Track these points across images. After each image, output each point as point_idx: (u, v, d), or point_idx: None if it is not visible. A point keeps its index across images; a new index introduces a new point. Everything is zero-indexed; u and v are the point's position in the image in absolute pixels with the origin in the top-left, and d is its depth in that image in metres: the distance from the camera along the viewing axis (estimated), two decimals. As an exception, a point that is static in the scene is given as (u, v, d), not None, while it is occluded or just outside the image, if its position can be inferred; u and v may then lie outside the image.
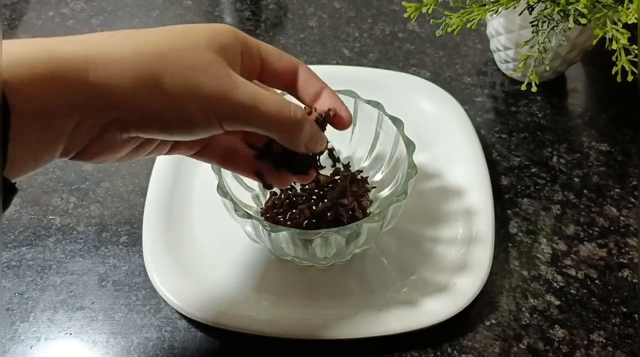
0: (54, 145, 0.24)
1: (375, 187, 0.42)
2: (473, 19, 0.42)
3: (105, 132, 0.25)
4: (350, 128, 0.38)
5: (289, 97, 0.33)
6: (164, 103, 0.24)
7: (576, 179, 0.48)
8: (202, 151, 0.32)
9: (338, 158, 0.38)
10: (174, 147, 0.31)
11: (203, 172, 0.45)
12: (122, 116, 0.24)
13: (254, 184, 0.42)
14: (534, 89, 0.42)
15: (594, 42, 0.41)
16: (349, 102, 0.40)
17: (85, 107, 0.23)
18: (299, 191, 0.42)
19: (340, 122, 0.33)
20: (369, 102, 0.40)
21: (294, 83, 0.32)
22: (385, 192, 0.42)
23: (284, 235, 0.34)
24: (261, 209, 0.41)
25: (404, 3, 0.44)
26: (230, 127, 0.27)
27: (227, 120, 0.26)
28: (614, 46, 0.39)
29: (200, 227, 0.43)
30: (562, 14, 0.41)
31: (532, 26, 0.43)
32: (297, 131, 0.29)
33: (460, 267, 0.39)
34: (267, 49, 0.31)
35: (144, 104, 0.24)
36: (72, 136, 0.24)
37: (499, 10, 0.42)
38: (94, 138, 0.25)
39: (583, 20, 0.39)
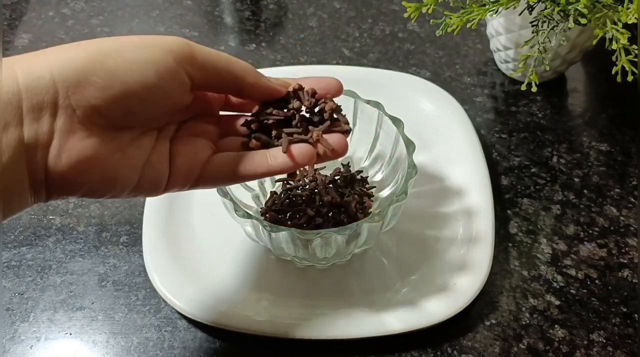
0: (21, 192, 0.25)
1: (375, 187, 0.42)
2: (473, 19, 0.42)
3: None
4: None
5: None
6: None
7: (576, 179, 0.48)
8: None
9: (346, 121, 0.33)
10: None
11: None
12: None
13: (254, 184, 0.42)
14: (534, 89, 0.42)
15: (594, 42, 0.41)
16: (349, 102, 0.40)
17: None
18: (299, 191, 0.42)
19: (333, 90, 0.33)
20: (369, 102, 0.40)
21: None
22: (385, 192, 0.42)
23: (284, 235, 0.34)
24: (261, 209, 0.41)
25: (404, 3, 0.43)
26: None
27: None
28: (614, 46, 0.39)
29: (200, 227, 0.43)
30: (562, 14, 0.41)
31: (532, 26, 0.43)
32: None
33: (460, 267, 0.39)
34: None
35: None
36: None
37: (499, 10, 0.42)
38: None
39: (583, 20, 0.39)
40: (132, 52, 0.26)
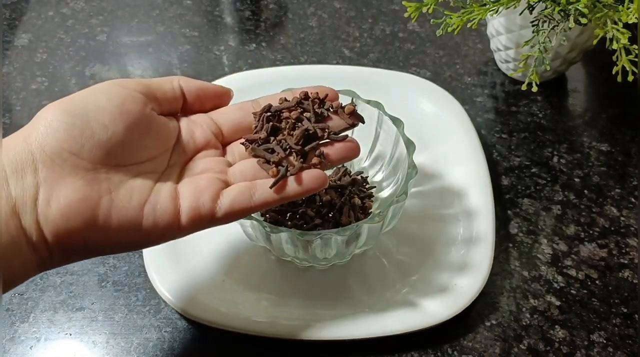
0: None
1: (375, 188, 0.42)
2: (473, 19, 0.42)
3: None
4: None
5: None
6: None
7: (576, 179, 0.48)
8: None
9: (361, 117, 0.34)
10: None
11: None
12: None
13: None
14: (534, 89, 0.42)
15: (595, 42, 0.41)
16: (349, 102, 0.40)
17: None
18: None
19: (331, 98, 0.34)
20: (369, 102, 0.40)
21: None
22: (385, 193, 0.42)
23: (283, 236, 0.34)
24: (261, 209, 0.41)
25: (404, 3, 0.43)
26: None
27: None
28: (615, 46, 0.38)
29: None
30: (562, 13, 0.41)
31: (533, 26, 0.43)
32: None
33: (460, 267, 0.39)
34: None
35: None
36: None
37: (500, 10, 0.42)
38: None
39: (583, 20, 0.39)
40: (84, 93, 0.27)
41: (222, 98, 0.33)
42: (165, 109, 0.30)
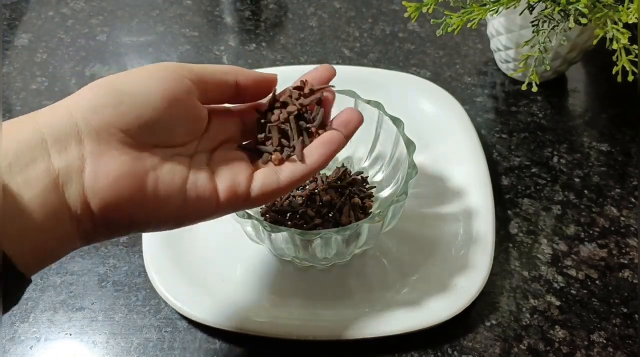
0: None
1: (375, 187, 0.42)
2: (473, 19, 0.42)
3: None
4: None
5: None
6: None
7: (576, 179, 0.48)
8: None
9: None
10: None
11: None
12: None
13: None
14: (534, 89, 0.42)
15: (595, 42, 0.41)
16: (349, 102, 0.40)
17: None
18: (299, 191, 0.42)
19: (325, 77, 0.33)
20: (369, 102, 0.40)
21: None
22: (385, 192, 0.42)
23: (284, 235, 0.34)
24: (261, 209, 0.41)
25: (404, 3, 0.43)
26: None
27: None
28: (615, 46, 0.38)
29: (201, 227, 0.42)
30: (562, 13, 0.41)
31: (533, 26, 0.43)
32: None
33: (460, 267, 0.39)
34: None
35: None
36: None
37: (500, 10, 0.42)
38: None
39: (583, 20, 0.39)
40: (135, 72, 0.28)
41: (270, 87, 0.33)
42: (209, 98, 0.30)
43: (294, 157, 0.31)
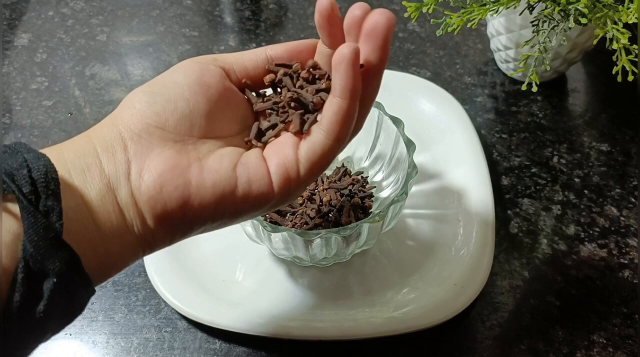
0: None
1: (375, 187, 0.42)
2: (473, 19, 0.42)
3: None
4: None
5: None
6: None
7: (576, 179, 0.48)
8: None
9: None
10: None
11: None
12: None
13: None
14: (534, 89, 0.42)
15: (595, 42, 0.41)
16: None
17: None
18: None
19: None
20: (369, 102, 0.40)
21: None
22: (385, 193, 0.42)
23: (284, 235, 0.34)
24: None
25: (404, 3, 0.43)
26: None
27: None
28: (615, 46, 0.38)
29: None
30: (562, 13, 0.41)
31: (533, 26, 0.43)
32: None
33: (460, 267, 0.39)
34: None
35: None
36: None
37: (500, 10, 0.42)
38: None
39: (583, 20, 0.39)
40: (164, 73, 0.28)
41: (307, 53, 0.30)
42: (246, 77, 0.29)
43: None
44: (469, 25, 0.42)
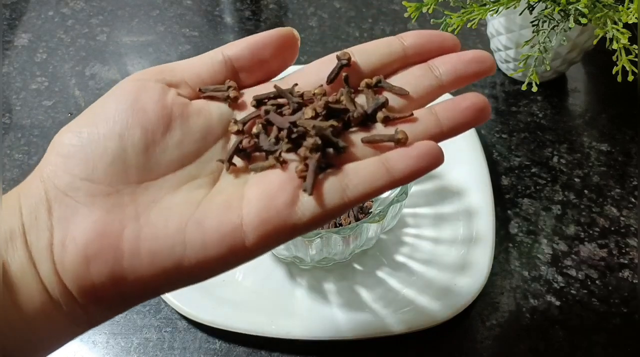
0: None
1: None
2: (473, 19, 0.42)
3: None
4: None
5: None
6: None
7: (577, 179, 0.48)
8: None
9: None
10: None
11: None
12: None
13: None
14: (534, 89, 0.42)
15: (595, 42, 0.41)
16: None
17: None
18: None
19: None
20: (369, 102, 0.40)
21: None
22: (385, 192, 0.42)
23: (284, 235, 0.34)
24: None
25: (404, 3, 0.43)
26: None
27: None
28: (615, 46, 0.38)
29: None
30: (562, 13, 0.41)
31: (533, 26, 0.43)
32: None
33: (460, 267, 0.39)
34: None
35: None
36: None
37: (500, 10, 0.42)
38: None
39: (583, 20, 0.39)
40: (95, 104, 0.23)
41: (286, 47, 0.24)
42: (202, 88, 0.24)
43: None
44: (469, 25, 0.42)
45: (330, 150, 0.22)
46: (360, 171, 0.21)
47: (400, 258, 0.41)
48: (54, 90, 0.55)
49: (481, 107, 0.22)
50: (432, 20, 0.45)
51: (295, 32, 0.24)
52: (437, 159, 0.21)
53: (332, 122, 0.22)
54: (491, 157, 0.49)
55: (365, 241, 0.37)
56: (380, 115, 0.23)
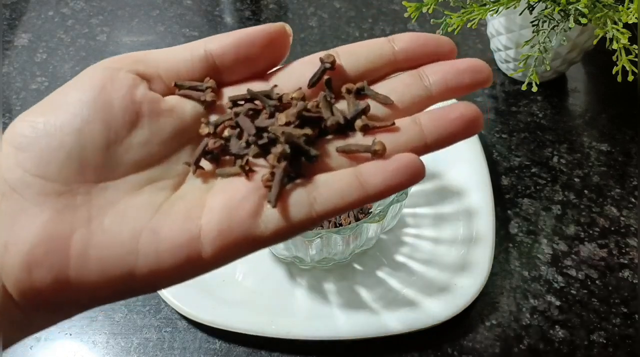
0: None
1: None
2: (473, 19, 0.42)
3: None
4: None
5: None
6: None
7: (576, 179, 0.48)
8: None
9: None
10: None
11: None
12: None
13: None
14: (534, 89, 0.42)
15: (595, 42, 0.41)
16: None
17: None
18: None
19: None
20: (369, 102, 0.40)
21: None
22: (385, 193, 0.42)
23: (284, 235, 0.34)
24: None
25: (404, 3, 0.43)
26: None
27: None
28: (615, 46, 0.38)
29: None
30: (562, 13, 0.41)
31: (533, 26, 0.43)
32: None
33: (460, 267, 0.39)
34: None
35: None
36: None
37: (500, 9, 0.42)
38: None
39: (583, 20, 0.39)
40: (59, 90, 0.21)
41: (276, 45, 0.22)
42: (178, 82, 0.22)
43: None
44: (468, 25, 0.42)
45: (302, 159, 0.20)
46: (331, 184, 0.19)
47: (400, 258, 0.41)
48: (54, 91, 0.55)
49: (471, 119, 0.20)
50: (432, 20, 0.45)
51: (288, 28, 0.22)
52: (416, 174, 0.19)
53: (306, 130, 0.20)
54: (491, 157, 0.49)
55: (365, 241, 0.37)
56: (359, 123, 0.21)
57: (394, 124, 0.21)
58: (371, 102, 0.22)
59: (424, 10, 0.42)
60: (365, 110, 0.21)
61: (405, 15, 0.43)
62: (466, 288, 0.38)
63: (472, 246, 0.40)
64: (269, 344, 0.37)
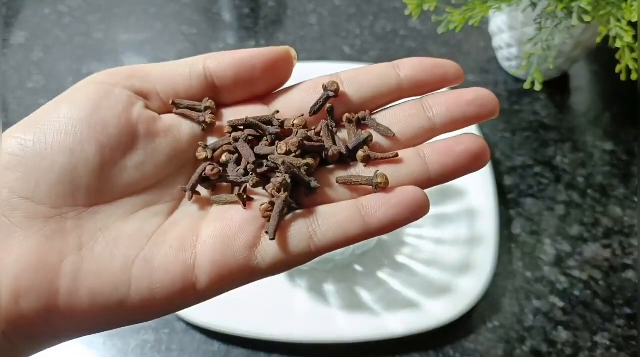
0: None
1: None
2: (476, 16, 0.41)
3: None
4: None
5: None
6: None
7: (580, 179, 0.47)
8: None
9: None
10: None
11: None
12: None
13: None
14: (537, 87, 0.41)
15: (598, 40, 0.40)
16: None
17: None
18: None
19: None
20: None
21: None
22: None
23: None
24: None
25: (405, 0, 0.43)
26: None
27: None
28: (618, 44, 0.38)
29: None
30: (565, 11, 0.41)
31: (536, 23, 0.42)
32: None
33: (463, 268, 0.39)
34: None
35: None
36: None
37: (502, 7, 0.41)
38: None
39: (587, 18, 0.38)
40: (47, 105, 0.20)
41: (278, 69, 0.21)
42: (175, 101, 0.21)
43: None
44: (471, 22, 0.41)
45: (302, 189, 0.20)
46: (332, 216, 0.19)
47: (401, 259, 0.40)
48: (51, 89, 0.54)
49: (478, 153, 0.20)
50: (433, 17, 0.44)
51: (293, 52, 0.22)
52: (420, 209, 0.19)
53: (307, 159, 0.20)
54: (494, 156, 0.49)
55: (365, 241, 0.37)
56: (360, 153, 0.21)
57: (397, 155, 0.20)
58: (373, 132, 0.22)
59: (426, 7, 0.42)
60: (367, 141, 0.21)
61: (407, 12, 0.43)
62: (469, 289, 0.38)
63: (474, 246, 0.40)
64: (268, 347, 0.37)
